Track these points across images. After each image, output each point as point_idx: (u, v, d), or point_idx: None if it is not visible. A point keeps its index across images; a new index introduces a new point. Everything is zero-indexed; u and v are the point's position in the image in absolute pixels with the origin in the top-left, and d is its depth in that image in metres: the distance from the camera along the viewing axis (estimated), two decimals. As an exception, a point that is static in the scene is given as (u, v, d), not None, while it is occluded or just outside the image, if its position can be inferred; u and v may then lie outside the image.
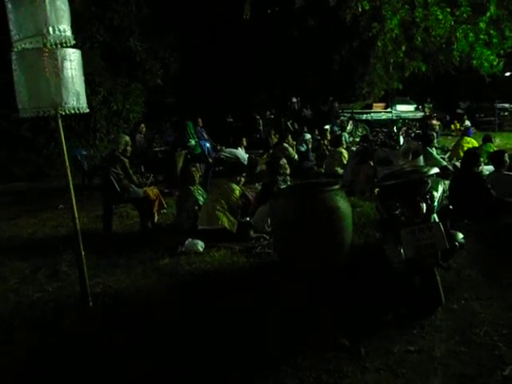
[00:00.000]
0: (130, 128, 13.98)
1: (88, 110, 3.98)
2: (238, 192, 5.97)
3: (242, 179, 6.23)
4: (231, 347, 3.24)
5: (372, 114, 19.40)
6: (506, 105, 21.80)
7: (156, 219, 6.81)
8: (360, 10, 11.72)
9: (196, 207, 6.14)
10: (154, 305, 4.07)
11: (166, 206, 7.13)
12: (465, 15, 11.33)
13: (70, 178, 3.94)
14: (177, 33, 17.06)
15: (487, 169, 8.45)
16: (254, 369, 2.99)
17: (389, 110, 19.84)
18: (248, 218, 6.08)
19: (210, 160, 9.91)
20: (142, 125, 11.11)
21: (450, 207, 4.16)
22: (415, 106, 21.03)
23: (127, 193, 6.50)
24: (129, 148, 6.77)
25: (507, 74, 22.06)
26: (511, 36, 11.53)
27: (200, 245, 5.41)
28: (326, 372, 2.86)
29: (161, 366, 3.09)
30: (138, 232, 6.52)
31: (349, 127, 16.32)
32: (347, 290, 3.97)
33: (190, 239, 5.50)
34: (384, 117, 19.48)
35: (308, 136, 12.02)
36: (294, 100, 22.39)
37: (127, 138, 6.96)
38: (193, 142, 10.69)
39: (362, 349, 3.06)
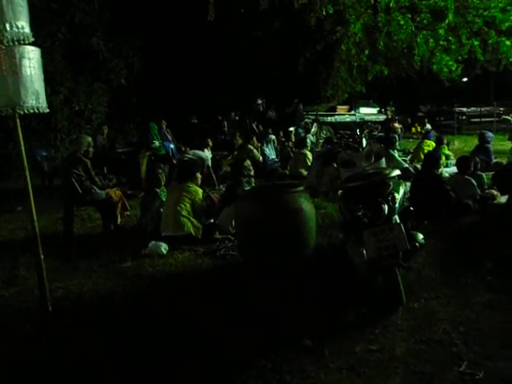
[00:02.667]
0: (93, 129, 13.71)
1: (48, 110, 3.87)
2: (200, 192, 5.92)
3: (199, 179, 6.18)
4: (193, 349, 3.22)
5: (336, 117, 19.66)
6: (464, 109, 22.49)
7: (119, 221, 6.71)
8: (324, 13, 11.88)
9: (161, 209, 6.08)
10: (116, 309, 4.00)
11: (129, 208, 7.02)
12: (425, 21, 11.68)
13: (28, 179, 3.82)
14: (141, 32, 16.85)
15: (446, 171, 8.70)
16: (216, 371, 2.98)
17: (352, 112, 20.15)
18: (212, 220, 6.06)
19: (174, 161, 9.83)
20: (104, 126, 10.91)
21: (411, 208, 4.23)
22: (378, 108, 21.43)
23: (89, 194, 6.36)
24: (91, 149, 6.64)
25: (465, 79, 22.78)
26: (468, 43, 11.93)
27: (164, 247, 5.35)
28: (290, 373, 2.87)
29: (120, 372, 3.03)
30: (100, 235, 6.40)
31: (313, 129, 16.46)
32: (311, 291, 4.00)
33: (154, 241, 5.44)
34: (348, 119, 19.77)
35: (272, 137, 12.07)
36: (259, 102, 22.46)
37: (89, 138, 6.83)
38: (157, 144, 10.61)
39: (325, 349, 3.08)
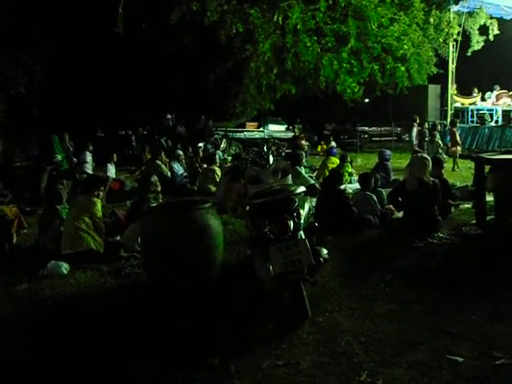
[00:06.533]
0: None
1: None
2: (99, 205, 5.69)
3: (101, 193, 5.95)
4: (93, 375, 3.05)
5: (245, 133, 19.95)
6: (366, 128, 23.84)
7: (14, 240, 6.24)
8: (234, 31, 12.13)
9: (62, 228, 5.75)
10: (5, 337, 3.69)
11: (26, 225, 6.57)
12: (330, 44, 12.32)
13: None
14: (44, 40, 16.04)
15: (350, 187, 9.11)
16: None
17: (261, 129, 20.55)
18: (118, 237, 5.84)
19: (78, 176, 9.40)
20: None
21: (316, 224, 4.36)
22: (286, 126, 22.03)
23: (-20, 212, 5.89)
24: (-17, 162, 6.19)
25: (366, 100, 24.20)
26: (369, 67, 12.77)
27: (64, 267, 5.05)
28: (196, 394, 2.81)
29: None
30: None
31: (222, 145, 16.58)
32: (218, 308, 3.97)
33: (53, 261, 5.11)
34: (257, 136, 20.13)
35: (180, 152, 11.98)
36: (169, 117, 22.21)
37: (-19, 151, 6.37)
38: (59, 157, 10.10)
39: (231, 367, 3.05)
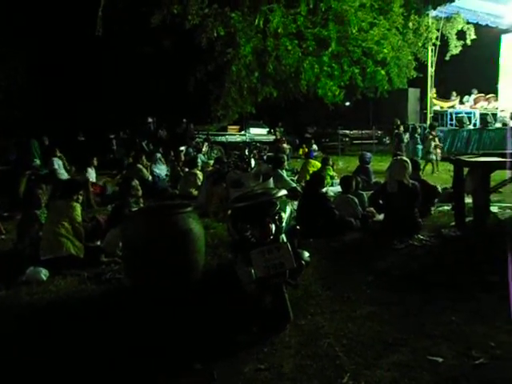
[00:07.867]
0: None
1: None
2: (79, 209, 5.62)
3: (80, 197, 5.87)
4: (74, 381, 3.01)
5: (227, 137, 19.96)
6: (347, 131, 24.05)
7: (-8, 246, 6.15)
8: (215, 35, 12.13)
9: (41, 233, 5.67)
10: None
11: (4, 231, 6.47)
12: (311, 48, 12.40)
13: None
14: (26, 43, 15.82)
15: (332, 190, 9.16)
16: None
17: (243, 132, 20.58)
18: (99, 242, 5.77)
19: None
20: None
21: (298, 227, 4.37)
22: (267, 129, 22.10)
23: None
24: (-41, 167, 6.08)
25: (347, 103, 24.40)
26: (349, 70, 12.88)
27: (43, 273, 4.97)
28: (178, 399, 2.79)
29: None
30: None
31: (204, 149, 16.55)
32: (200, 312, 3.95)
33: (32, 267, 5.02)
34: (238, 139, 20.16)
35: (158, 155, 11.92)
36: (150, 120, 22.05)
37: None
38: (38, 162, 9.96)
39: (214, 371, 3.04)
